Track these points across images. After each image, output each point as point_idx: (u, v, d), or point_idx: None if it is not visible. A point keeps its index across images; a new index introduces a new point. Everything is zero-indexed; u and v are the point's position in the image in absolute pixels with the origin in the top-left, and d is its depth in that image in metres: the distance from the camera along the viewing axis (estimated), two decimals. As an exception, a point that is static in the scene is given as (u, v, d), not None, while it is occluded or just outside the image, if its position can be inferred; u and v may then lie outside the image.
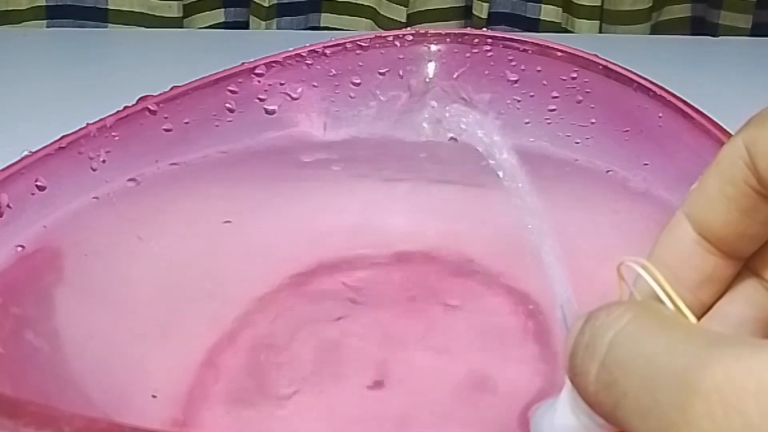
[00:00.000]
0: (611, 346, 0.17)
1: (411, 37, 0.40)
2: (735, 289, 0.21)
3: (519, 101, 0.39)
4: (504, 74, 0.39)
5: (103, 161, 0.34)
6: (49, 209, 0.32)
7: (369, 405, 0.31)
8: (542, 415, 0.22)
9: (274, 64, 0.38)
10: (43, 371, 0.28)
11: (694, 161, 0.33)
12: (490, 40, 0.39)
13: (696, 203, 0.21)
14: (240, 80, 0.38)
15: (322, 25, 0.69)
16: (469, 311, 0.35)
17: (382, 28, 0.66)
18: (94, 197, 0.33)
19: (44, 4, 0.65)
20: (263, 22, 0.66)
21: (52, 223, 0.32)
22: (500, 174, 0.36)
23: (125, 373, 0.30)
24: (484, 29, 0.47)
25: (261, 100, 0.38)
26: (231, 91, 0.38)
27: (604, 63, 0.37)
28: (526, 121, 0.39)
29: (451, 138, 0.39)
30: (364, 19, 0.68)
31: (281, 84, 0.39)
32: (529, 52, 0.39)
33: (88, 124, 0.34)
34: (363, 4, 0.68)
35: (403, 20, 0.66)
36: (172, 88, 0.36)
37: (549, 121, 0.38)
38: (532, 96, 0.39)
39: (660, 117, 0.35)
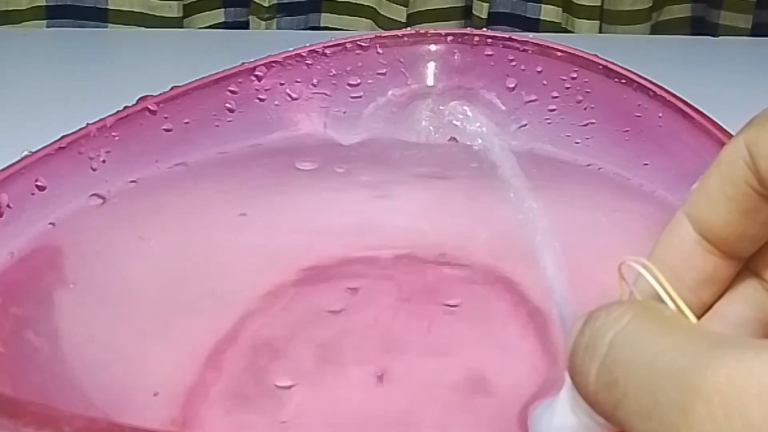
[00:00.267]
0: (611, 346, 0.17)
1: (411, 37, 0.40)
2: (735, 290, 0.21)
3: (519, 101, 0.39)
4: (504, 74, 0.39)
5: (103, 161, 0.34)
6: (49, 209, 0.32)
7: (369, 405, 0.31)
8: (540, 415, 0.22)
9: (274, 64, 0.38)
10: (43, 371, 0.28)
11: (694, 161, 0.33)
12: (490, 40, 0.39)
13: (696, 203, 0.21)
14: (240, 80, 0.38)
15: (322, 25, 0.69)
16: (469, 311, 0.35)
17: (382, 28, 0.66)
18: (94, 197, 0.33)
19: (44, 4, 0.65)
20: (263, 22, 0.66)
21: (51, 223, 0.32)
22: (499, 173, 0.36)
23: (125, 373, 0.30)
24: (484, 29, 0.47)
25: (261, 100, 0.38)
26: (231, 91, 0.38)
27: (604, 63, 0.37)
28: (527, 121, 0.39)
29: (451, 138, 0.39)
30: (364, 19, 0.68)
31: (281, 84, 0.39)
32: (529, 52, 0.39)
33: (88, 124, 0.34)
34: (363, 4, 0.68)
35: (403, 20, 0.66)
36: (172, 88, 0.36)
37: (549, 121, 0.38)
38: (532, 96, 0.39)
39: (660, 117, 0.35)
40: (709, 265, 0.21)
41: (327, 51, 0.39)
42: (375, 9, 0.67)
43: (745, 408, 0.14)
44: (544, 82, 0.38)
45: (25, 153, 0.32)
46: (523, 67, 0.39)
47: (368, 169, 0.39)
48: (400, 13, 0.66)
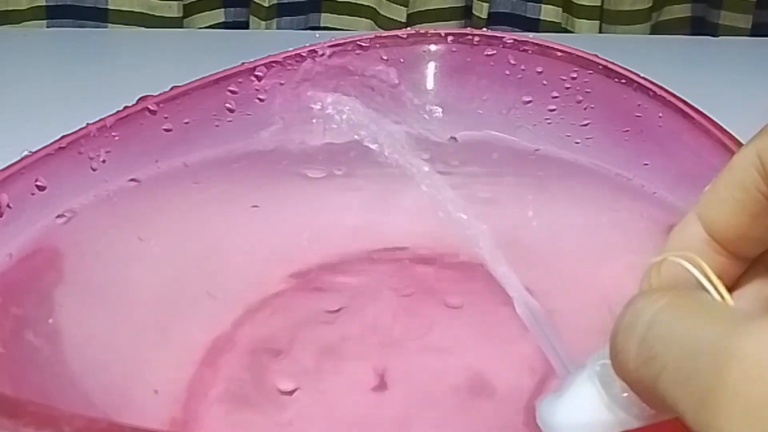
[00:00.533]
0: (651, 324, 0.18)
1: (411, 37, 0.40)
2: (743, 287, 0.22)
3: (519, 101, 0.39)
4: (504, 74, 0.39)
5: (103, 161, 0.34)
6: (49, 209, 0.32)
7: (369, 405, 0.31)
8: (552, 408, 0.22)
9: (274, 64, 0.38)
10: (43, 371, 0.28)
11: (694, 161, 0.33)
12: (490, 40, 0.39)
13: (707, 205, 0.22)
14: (240, 80, 0.38)
15: (322, 25, 0.69)
16: (469, 311, 0.35)
17: (382, 28, 0.66)
18: (94, 197, 0.33)
19: (44, 4, 0.65)
20: (263, 22, 0.66)
21: (51, 223, 0.32)
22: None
23: (125, 372, 0.30)
24: (484, 29, 0.47)
25: (261, 100, 0.38)
26: (231, 91, 0.38)
27: (604, 63, 0.37)
28: (526, 121, 0.39)
29: (451, 138, 0.39)
30: (364, 19, 0.68)
31: (281, 84, 0.39)
32: (529, 52, 0.39)
33: (88, 124, 0.34)
34: (363, 4, 0.68)
35: (403, 20, 0.66)
36: (172, 88, 0.36)
37: (549, 121, 0.38)
38: (532, 96, 0.39)
39: (660, 117, 0.35)
40: (716, 264, 0.21)
41: (327, 51, 0.39)
42: (375, 9, 0.67)
43: None
44: (544, 82, 0.38)
45: (25, 153, 0.32)
46: (523, 67, 0.39)
47: (368, 168, 0.39)
48: (400, 13, 0.66)
